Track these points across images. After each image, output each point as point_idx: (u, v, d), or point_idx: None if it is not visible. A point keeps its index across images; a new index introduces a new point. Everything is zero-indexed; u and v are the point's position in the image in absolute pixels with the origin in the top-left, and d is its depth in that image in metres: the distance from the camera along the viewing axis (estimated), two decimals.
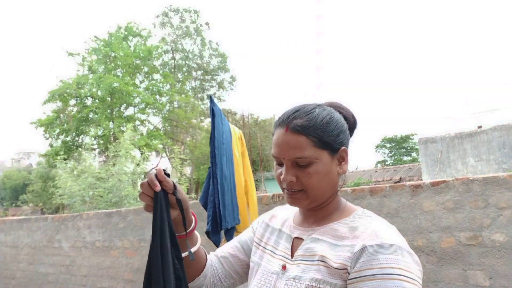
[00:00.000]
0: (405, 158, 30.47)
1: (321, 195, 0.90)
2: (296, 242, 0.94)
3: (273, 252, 0.98)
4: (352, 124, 0.97)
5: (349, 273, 0.80)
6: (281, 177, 0.89)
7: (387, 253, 0.77)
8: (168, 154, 19.00)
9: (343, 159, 0.93)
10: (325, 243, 0.87)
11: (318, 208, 0.94)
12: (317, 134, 0.88)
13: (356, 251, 0.80)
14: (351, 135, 0.98)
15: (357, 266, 0.78)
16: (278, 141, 0.90)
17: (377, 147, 33.69)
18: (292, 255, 0.92)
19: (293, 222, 1.00)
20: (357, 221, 0.89)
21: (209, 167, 2.75)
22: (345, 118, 0.95)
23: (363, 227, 0.85)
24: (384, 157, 33.01)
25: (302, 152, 0.86)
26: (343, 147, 0.92)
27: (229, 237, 2.88)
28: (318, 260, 0.85)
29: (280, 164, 0.91)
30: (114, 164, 7.64)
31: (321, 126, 0.88)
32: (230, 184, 2.77)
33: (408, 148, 31.73)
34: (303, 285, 0.84)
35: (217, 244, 2.80)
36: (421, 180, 11.06)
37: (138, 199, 7.75)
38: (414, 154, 30.13)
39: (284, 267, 0.91)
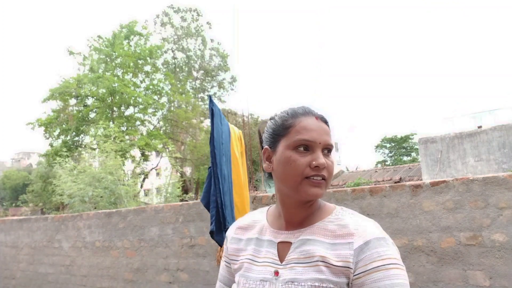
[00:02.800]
0: (405, 158, 30.50)
1: (328, 186, 0.94)
2: (282, 247, 0.94)
3: (254, 261, 0.96)
4: None
5: (352, 269, 0.83)
6: (315, 162, 0.88)
7: (381, 246, 0.84)
8: (168, 154, 19.00)
9: None
10: (319, 242, 0.89)
11: (307, 205, 0.94)
12: (331, 131, 0.97)
13: (356, 248, 0.84)
14: None
15: (361, 261, 0.83)
16: (313, 126, 0.92)
17: (377, 147, 33.71)
18: (281, 260, 0.92)
19: (272, 227, 0.99)
20: (341, 218, 0.92)
21: (209, 167, 2.75)
22: None
23: (353, 225, 0.89)
24: (384, 157, 33.05)
25: (331, 140, 0.93)
26: None
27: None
28: (317, 260, 0.86)
29: (307, 151, 0.90)
30: (105, 163, 7.62)
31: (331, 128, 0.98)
32: (229, 184, 2.77)
33: (408, 148, 31.75)
34: (304, 287, 0.85)
35: (221, 243, 2.79)
36: (421, 180, 11.06)
37: (136, 198, 7.73)
38: (414, 154, 30.15)
39: (276, 273, 0.90)
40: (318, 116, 0.95)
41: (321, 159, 0.89)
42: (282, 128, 0.94)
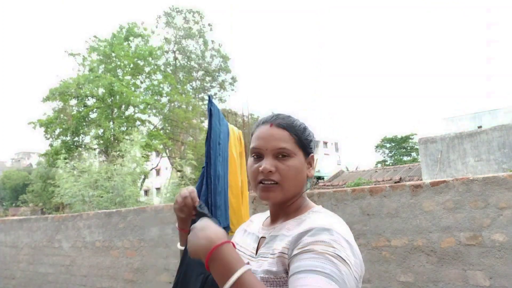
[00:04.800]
0: (405, 158, 30.52)
1: (293, 190, 0.97)
2: (262, 241, 1.02)
3: (244, 253, 1.05)
4: None
5: (287, 254, 0.86)
6: (261, 168, 0.95)
7: (322, 234, 0.83)
8: (168, 154, 19.01)
9: (310, 165, 1.02)
10: (280, 237, 0.94)
11: (285, 206, 1.00)
12: (297, 134, 0.99)
13: (296, 235, 0.87)
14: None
15: (296, 247, 0.84)
16: (262, 134, 0.99)
17: (377, 147, 33.73)
18: (256, 253, 1.00)
19: (262, 224, 1.09)
20: (308, 215, 0.96)
21: (203, 167, 2.75)
22: None
23: (309, 220, 0.92)
24: (384, 157, 33.06)
25: (285, 144, 0.96)
26: (312, 154, 1.02)
27: None
28: (271, 253, 0.92)
29: (258, 158, 0.98)
30: (121, 165, 7.61)
31: (300, 129, 1.00)
32: (224, 185, 2.77)
33: (408, 148, 31.76)
34: (258, 278, 0.89)
35: None
36: (421, 180, 11.05)
37: (139, 199, 7.76)
38: (414, 154, 30.16)
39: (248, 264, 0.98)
40: (273, 123, 0.98)
41: (266, 164, 0.94)
42: (251, 137, 1.04)
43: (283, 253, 0.87)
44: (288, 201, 0.99)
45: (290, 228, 0.94)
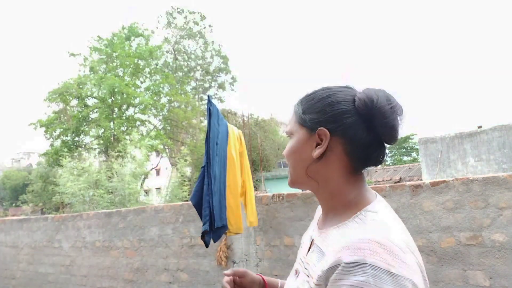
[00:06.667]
0: (405, 158, 30.49)
1: (295, 174, 0.86)
2: (312, 243, 0.87)
3: (300, 253, 0.93)
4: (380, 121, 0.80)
5: None
6: None
7: (352, 276, 0.63)
8: (168, 154, 19.01)
9: (319, 143, 0.80)
10: (320, 253, 0.77)
11: (325, 199, 0.84)
12: (300, 110, 0.84)
13: (326, 269, 0.68)
14: (385, 135, 0.84)
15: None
16: None
17: None
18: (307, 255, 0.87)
19: (318, 220, 0.92)
20: (351, 224, 0.74)
21: (202, 167, 2.74)
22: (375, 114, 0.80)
23: (347, 236, 0.71)
24: None
25: (289, 125, 0.89)
26: (321, 128, 0.79)
27: (216, 237, 2.83)
28: (307, 275, 0.78)
29: None
30: (121, 165, 7.63)
31: (306, 102, 0.84)
32: (220, 185, 2.76)
33: (408, 148, 31.74)
34: None
35: (207, 244, 2.76)
36: (421, 180, 11.06)
37: (138, 199, 7.78)
38: (414, 154, 30.16)
39: (296, 272, 0.87)
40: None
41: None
42: None
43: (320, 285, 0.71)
44: (326, 196, 0.83)
45: (328, 243, 0.76)
